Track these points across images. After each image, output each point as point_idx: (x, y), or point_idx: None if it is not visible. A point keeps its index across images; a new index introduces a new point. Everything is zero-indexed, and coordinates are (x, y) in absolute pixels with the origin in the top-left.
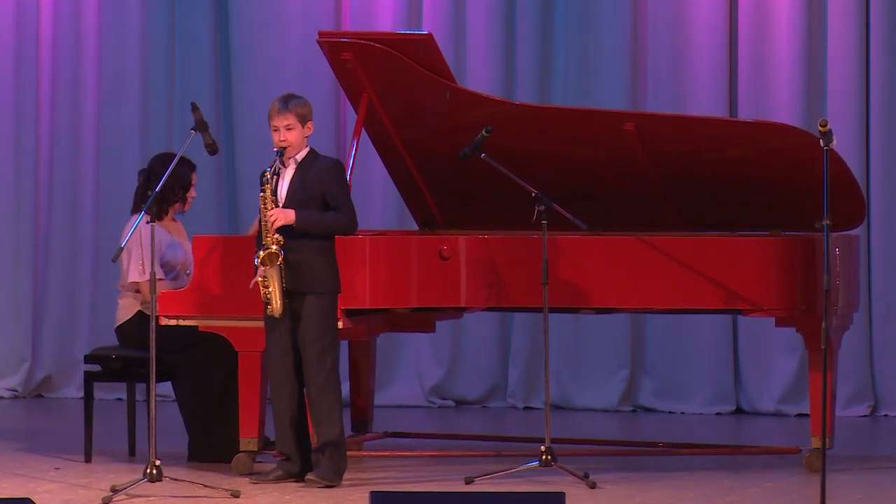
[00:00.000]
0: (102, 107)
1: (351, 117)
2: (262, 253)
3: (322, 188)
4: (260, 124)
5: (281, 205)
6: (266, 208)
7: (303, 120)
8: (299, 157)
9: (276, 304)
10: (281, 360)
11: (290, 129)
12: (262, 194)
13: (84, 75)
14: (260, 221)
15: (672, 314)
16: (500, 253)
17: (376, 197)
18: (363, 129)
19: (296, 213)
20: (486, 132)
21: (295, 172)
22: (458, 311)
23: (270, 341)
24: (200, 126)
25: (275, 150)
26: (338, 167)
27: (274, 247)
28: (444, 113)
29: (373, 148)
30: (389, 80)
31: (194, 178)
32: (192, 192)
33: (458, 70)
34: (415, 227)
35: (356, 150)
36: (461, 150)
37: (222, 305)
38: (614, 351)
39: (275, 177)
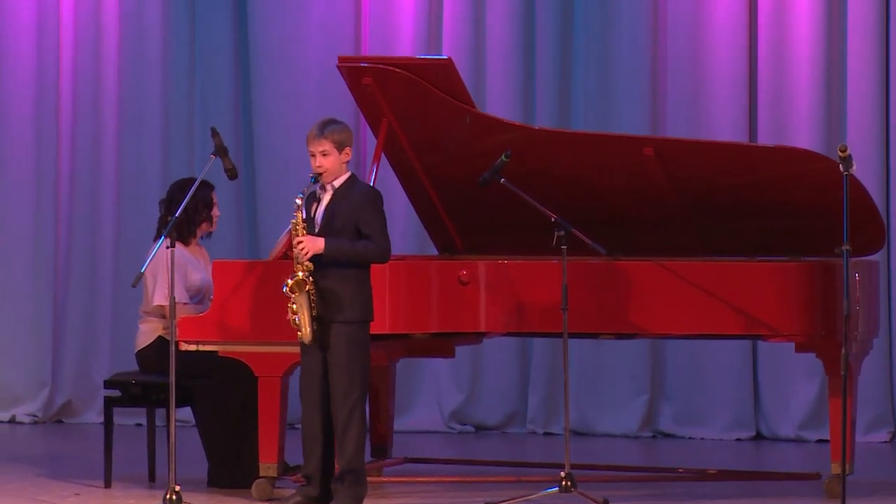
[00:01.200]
0: (122, 131)
1: (371, 142)
2: (290, 280)
3: (356, 216)
4: (280, 148)
5: (317, 230)
6: (296, 234)
7: (339, 146)
8: (337, 182)
9: (306, 330)
10: (312, 384)
11: (325, 154)
12: (293, 220)
13: (103, 101)
14: (291, 248)
15: (692, 339)
16: (520, 278)
17: (396, 222)
18: (383, 154)
19: (325, 241)
20: (505, 157)
21: (331, 199)
22: (478, 337)
23: (303, 365)
24: (220, 151)
25: (310, 175)
26: (372, 195)
27: (300, 274)
28: (463, 138)
29: (392, 173)
30: (409, 105)
31: (214, 196)
32: (216, 211)
33: (478, 95)
34: (434, 252)
35: (376, 175)
36: (481, 176)
37: (242, 330)
38: (634, 376)
39: (314, 203)
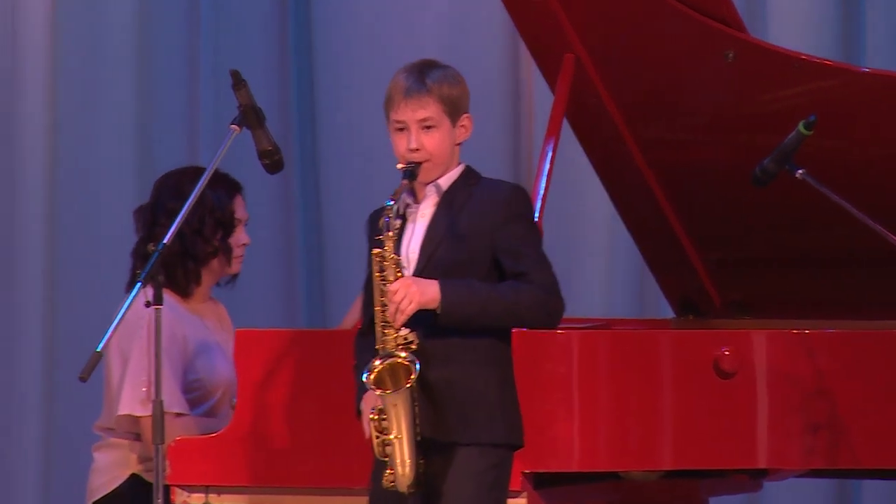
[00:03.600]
0: (60, 101)
1: (541, 101)
2: (378, 364)
3: (491, 239)
4: (360, 125)
5: (411, 270)
6: (385, 279)
7: (453, 111)
8: (445, 181)
9: (404, 466)
10: None
11: (429, 126)
12: (376, 252)
13: (19, 49)
14: (370, 303)
15: None
16: (836, 363)
17: (588, 252)
18: (564, 122)
19: (441, 287)
20: (805, 129)
21: (437, 210)
22: (755, 478)
23: None
24: (249, 117)
25: (399, 167)
26: (517, 199)
27: (402, 354)
28: (721, 90)
29: (583, 157)
30: (616, 29)
31: (240, 206)
32: (242, 236)
33: (750, 12)
34: (668, 312)
35: (551, 163)
36: (757, 165)
37: (292, 466)
38: None
39: (400, 220)
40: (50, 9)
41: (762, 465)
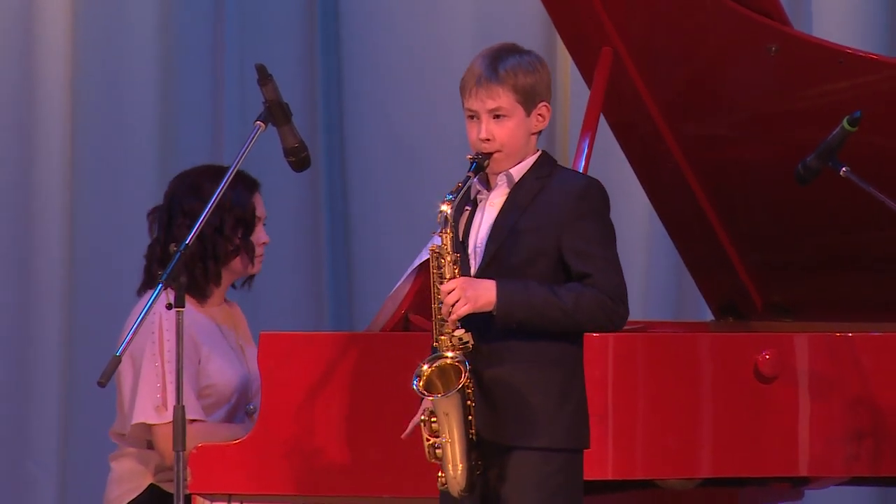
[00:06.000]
0: (78, 100)
1: (577, 95)
2: (426, 368)
3: (558, 237)
4: (392, 117)
5: (474, 268)
6: (441, 276)
7: (527, 100)
8: (518, 171)
9: (457, 469)
10: None
11: (500, 116)
12: (433, 248)
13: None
14: (433, 304)
15: None
16: (880, 367)
17: (625, 251)
18: (601, 118)
19: (497, 290)
20: (849, 125)
21: (507, 202)
22: (796, 487)
23: None
24: (275, 113)
25: (469, 157)
26: (593, 195)
27: (449, 354)
28: (763, 85)
29: (620, 154)
30: (655, 21)
31: (259, 203)
32: (262, 235)
33: (794, 5)
34: (707, 315)
35: (587, 159)
36: (800, 163)
37: (318, 474)
38: None
39: (470, 212)
40: (70, 4)
41: (803, 472)
